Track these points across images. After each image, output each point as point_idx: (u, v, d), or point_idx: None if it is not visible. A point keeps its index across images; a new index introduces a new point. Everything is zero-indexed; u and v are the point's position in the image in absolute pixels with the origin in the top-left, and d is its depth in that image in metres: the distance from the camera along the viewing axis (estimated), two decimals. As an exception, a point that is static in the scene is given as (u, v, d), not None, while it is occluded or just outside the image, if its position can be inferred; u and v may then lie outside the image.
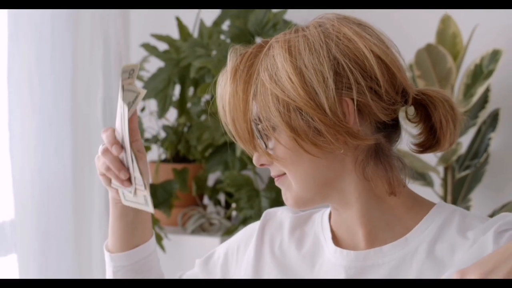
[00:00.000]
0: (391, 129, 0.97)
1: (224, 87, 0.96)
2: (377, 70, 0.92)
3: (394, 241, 0.96)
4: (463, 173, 2.03)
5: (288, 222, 1.06)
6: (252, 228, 1.10)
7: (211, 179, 2.20)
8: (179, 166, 2.12)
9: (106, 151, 1.01)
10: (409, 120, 0.99)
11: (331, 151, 0.94)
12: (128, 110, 0.97)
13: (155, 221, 2.02)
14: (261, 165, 0.99)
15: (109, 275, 1.11)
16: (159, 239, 2.01)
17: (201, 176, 2.13)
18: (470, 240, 0.94)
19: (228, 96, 0.95)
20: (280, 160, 0.95)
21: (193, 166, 2.15)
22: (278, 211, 1.09)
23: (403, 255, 0.96)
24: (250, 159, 2.13)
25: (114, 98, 2.15)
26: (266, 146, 0.96)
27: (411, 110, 0.98)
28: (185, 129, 2.18)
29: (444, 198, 2.03)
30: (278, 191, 1.99)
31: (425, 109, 0.97)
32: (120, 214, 1.08)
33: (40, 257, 1.92)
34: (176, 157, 2.17)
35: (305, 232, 1.04)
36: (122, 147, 1.00)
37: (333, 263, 0.99)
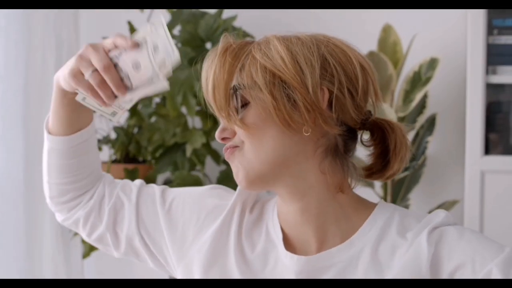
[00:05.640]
0: (351, 136, 1.03)
1: (212, 62, 1.01)
2: (359, 76, 1.00)
3: (342, 243, 1.01)
4: (402, 175, 2.12)
5: (247, 216, 1.08)
6: (223, 197, 1.10)
7: (160, 180, 2.24)
8: (130, 166, 2.17)
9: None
10: (362, 143, 1.05)
11: (299, 131, 0.99)
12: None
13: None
14: (222, 139, 1.02)
15: (44, 152, 1.10)
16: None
17: (150, 176, 2.17)
18: (408, 241, 0.99)
19: (214, 67, 1.00)
20: (248, 127, 0.99)
21: (143, 166, 2.19)
22: (249, 196, 1.09)
23: (350, 257, 1.01)
24: (200, 160, 2.19)
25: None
26: (238, 113, 0.99)
27: (367, 134, 1.05)
28: (136, 130, 2.22)
29: (384, 198, 2.11)
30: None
31: (381, 132, 1.04)
32: (67, 103, 1.05)
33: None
34: (126, 158, 2.21)
35: (257, 233, 1.06)
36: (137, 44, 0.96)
37: (285, 266, 1.03)
